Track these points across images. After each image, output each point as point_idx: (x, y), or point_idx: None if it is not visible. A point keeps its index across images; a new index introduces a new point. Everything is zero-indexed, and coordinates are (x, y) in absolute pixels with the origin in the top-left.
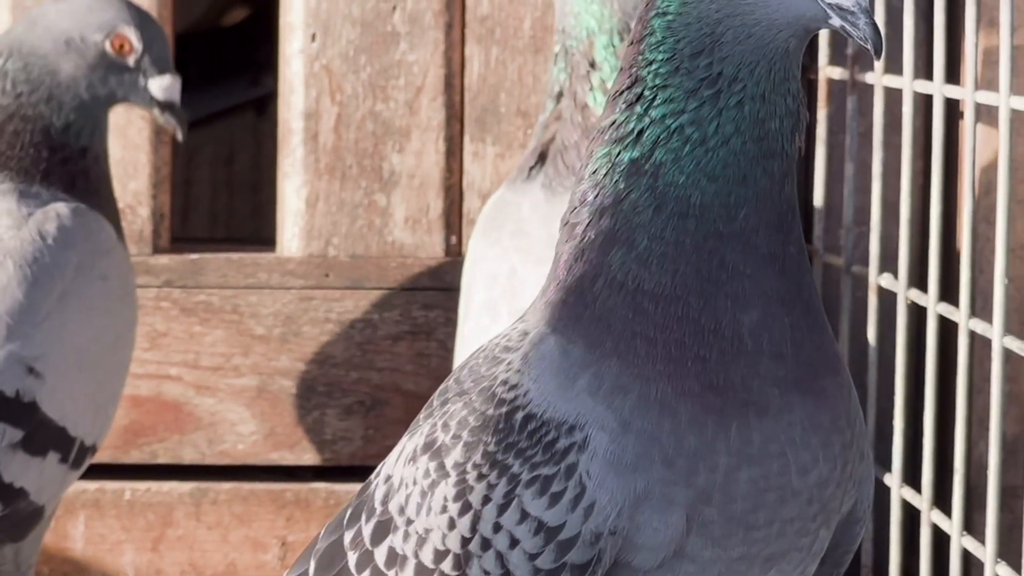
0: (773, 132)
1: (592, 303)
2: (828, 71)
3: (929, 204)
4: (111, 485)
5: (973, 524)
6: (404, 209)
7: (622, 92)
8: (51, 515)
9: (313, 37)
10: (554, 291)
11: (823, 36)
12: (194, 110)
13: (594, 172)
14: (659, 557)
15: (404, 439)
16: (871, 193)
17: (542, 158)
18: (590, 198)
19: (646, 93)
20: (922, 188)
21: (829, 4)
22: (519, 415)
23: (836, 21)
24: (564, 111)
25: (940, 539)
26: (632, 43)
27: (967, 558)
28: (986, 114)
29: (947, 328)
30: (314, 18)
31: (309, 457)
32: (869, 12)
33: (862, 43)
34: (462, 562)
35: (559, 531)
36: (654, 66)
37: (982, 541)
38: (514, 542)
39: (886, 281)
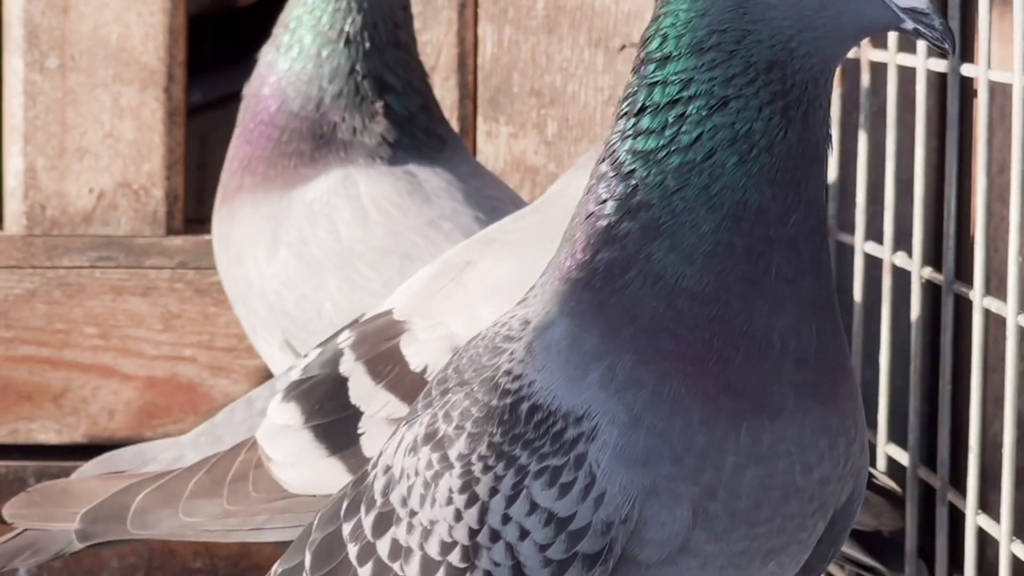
0: (821, 136)
1: (621, 290)
2: None
3: (943, 182)
4: None
5: (988, 503)
6: None
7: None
8: None
9: None
10: (573, 273)
11: None
12: (207, 92)
13: (619, 163)
14: (665, 552)
15: (402, 428)
16: (885, 172)
17: None
18: (619, 190)
19: (691, 102)
20: (936, 167)
21: (903, 8)
22: (524, 405)
23: (909, 24)
24: None
25: (956, 518)
26: (639, 55)
27: (983, 537)
28: (1000, 92)
29: (961, 306)
30: None
31: None
32: (940, 12)
33: (937, 44)
34: (471, 554)
35: (570, 521)
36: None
37: (997, 520)
38: (524, 533)
39: (900, 260)
